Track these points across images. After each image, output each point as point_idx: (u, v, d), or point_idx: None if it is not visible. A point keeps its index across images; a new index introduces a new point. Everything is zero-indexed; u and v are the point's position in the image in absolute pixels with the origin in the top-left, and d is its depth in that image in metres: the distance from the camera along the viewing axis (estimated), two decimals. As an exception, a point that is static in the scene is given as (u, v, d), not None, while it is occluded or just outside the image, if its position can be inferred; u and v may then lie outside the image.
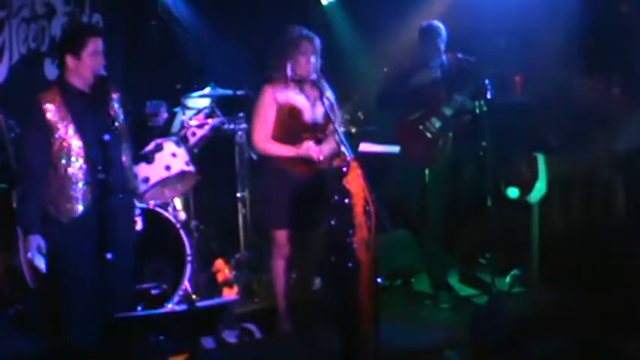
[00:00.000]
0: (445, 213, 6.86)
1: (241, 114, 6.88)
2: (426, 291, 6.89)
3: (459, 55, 6.76)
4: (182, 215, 6.63)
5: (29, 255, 4.74)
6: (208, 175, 6.86)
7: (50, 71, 7.28)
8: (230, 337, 5.82)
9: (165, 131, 6.56)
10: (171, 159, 6.28)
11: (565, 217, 6.73)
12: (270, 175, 5.82)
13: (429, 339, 5.77)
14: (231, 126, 6.87)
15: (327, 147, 5.74)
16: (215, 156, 7.23)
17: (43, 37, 7.25)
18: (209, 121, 6.88)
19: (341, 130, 5.63)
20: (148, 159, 5.90)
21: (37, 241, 4.76)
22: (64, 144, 4.80)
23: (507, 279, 6.88)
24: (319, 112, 5.74)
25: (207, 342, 5.65)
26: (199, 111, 6.99)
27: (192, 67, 7.73)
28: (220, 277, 6.74)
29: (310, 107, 5.73)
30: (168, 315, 4.80)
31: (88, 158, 4.80)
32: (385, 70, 6.92)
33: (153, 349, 4.78)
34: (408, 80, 6.74)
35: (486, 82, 6.53)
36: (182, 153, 6.35)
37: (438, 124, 6.62)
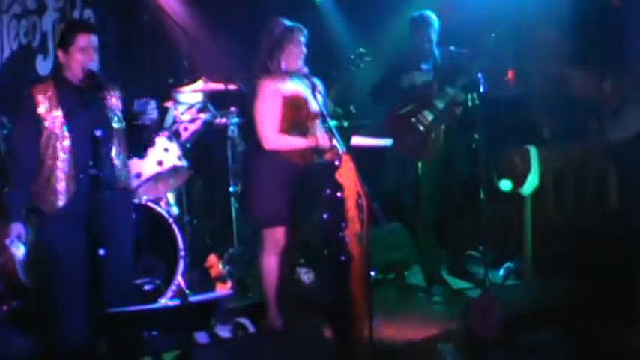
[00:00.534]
0: (438, 206, 6.86)
1: (233, 108, 6.87)
2: (420, 284, 6.90)
3: (452, 48, 6.76)
4: (175, 210, 6.62)
5: (7, 241, 4.82)
6: (201, 170, 6.85)
7: (42, 67, 7.27)
8: (224, 331, 5.82)
9: (156, 127, 6.53)
10: (163, 154, 6.27)
11: (558, 209, 6.74)
12: (267, 169, 5.62)
13: (423, 332, 5.77)
14: (224, 120, 6.86)
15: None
16: (207, 151, 7.22)
17: (35, 33, 7.24)
18: (201, 115, 6.86)
19: (333, 123, 5.63)
20: (140, 154, 5.88)
21: (17, 229, 4.81)
22: (52, 137, 4.81)
23: (501, 271, 6.90)
24: (316, 103, 5.68)
25: (201, 337, 5.65)
26: (191, 106, 6.97)
27: (183, 61, 7.71)
28: (213, 272, 6.74)
29: (311, 97, 5.66)
30: (162, 310, 4.81)
31: (76, 153, 4.79)
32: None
33: (146, 344, 4.79)
34: (399, 80, 6.73)
35: (479, 74, 6.53)
36: (174, 148, 6.35)
37: (430, 117, 6.62)
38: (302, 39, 5.63)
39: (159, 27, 7.73)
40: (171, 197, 6.70)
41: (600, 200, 6.59)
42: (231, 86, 6.82)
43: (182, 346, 4.89)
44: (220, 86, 6.94)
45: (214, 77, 7.00)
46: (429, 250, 6.85)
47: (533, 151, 6.60)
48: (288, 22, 5.64)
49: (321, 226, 5.39)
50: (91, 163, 4.67)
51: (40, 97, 4.83)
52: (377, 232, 5.63)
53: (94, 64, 4.83)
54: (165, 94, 6.75)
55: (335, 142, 5.46)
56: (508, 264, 6.91)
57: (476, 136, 6.57)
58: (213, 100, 7.06)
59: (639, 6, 6.53)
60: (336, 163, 5.30)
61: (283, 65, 5.59)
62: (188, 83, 7.08)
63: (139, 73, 7.37)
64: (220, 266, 6.72)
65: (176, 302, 5.68)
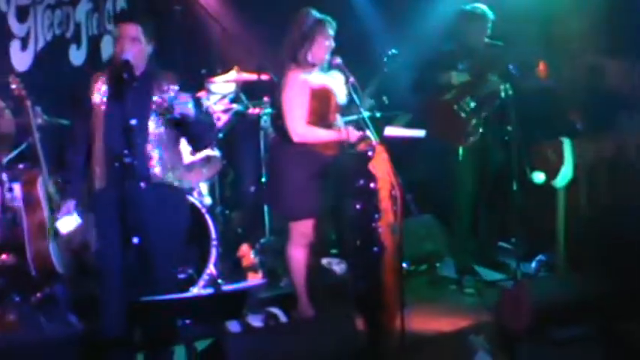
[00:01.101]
0: (473, 197, 6.83)
1: (266, 98, 6.87)
2: (451, 276, 6.88)
3: (486, 41, 6.72)
4: (208, 200, 6.65)
5: (57, 216, 5.14)
6: (233, 160, 6.86)
7: (75, 57, 7.30)
8: (255, 321, 5.84)
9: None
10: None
11: (591, 202, 6.70)
12: (294, 162, 5.57)
13: (454, 324, 5.76)
14: (256, 110, 6.87)
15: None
16: (240, 141, 7.23)
17: (68, 24, 7.27)
18: (234, 106, 6.88)
19: (365, 114, 5.62)
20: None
21: (68, 205, 5.05)
22: (97, 123, 4.91)
23: (533, 264, 6.87)
24: (344, 95, 5.67)
25: (233, 326, 5.69)
26: (224, 96, 7.00)
27: (215, 52, 7.73)
28: (245, 262, 6.76)
29: (339, 89, 5.67)
30: (194, 299, 4.82)
31: (111, 140, 4.84)
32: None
33: (179, 333, 4.82)
34: (436, 77, 6.69)
35: (512, 66, 6.50)
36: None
37: (472, 104, 6.59)
38: (331, 31, 5.61)
39: (190, 17, 7.74)
40: (204, 187, 6.73)
41: (634, 193, 6.54)
42: (264, 76, 6.82)
43: (214, 334, 4.91)
44: (253, 76, 6.95)
45: (247, 67, 7.01)
46: (462, 241, 6.83)
47: (567, 144, 6.57)
48: (317, 14, 5.63)
49: (354, 217, 5.39)
50: (125, 151, 4.69)
51: (95, 85, 4.97)
52: (409, 223, 5.63)
53: (129, 54, 4.84)
54: (198, 84, 6.76)
55: (368, 132, 5.46)
56: (540, 256, 6.88)
57: (509, 127, 6.52)
58: (246, 90, 7.08)
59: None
60: (369, 153, 5.30)
61: (310, 57, 5.57)
62: (221, 73, 7.10)
63: (171, 64, 7.38)
64: (252, 256, 6.74)
65: (208, 291, 5.70)
